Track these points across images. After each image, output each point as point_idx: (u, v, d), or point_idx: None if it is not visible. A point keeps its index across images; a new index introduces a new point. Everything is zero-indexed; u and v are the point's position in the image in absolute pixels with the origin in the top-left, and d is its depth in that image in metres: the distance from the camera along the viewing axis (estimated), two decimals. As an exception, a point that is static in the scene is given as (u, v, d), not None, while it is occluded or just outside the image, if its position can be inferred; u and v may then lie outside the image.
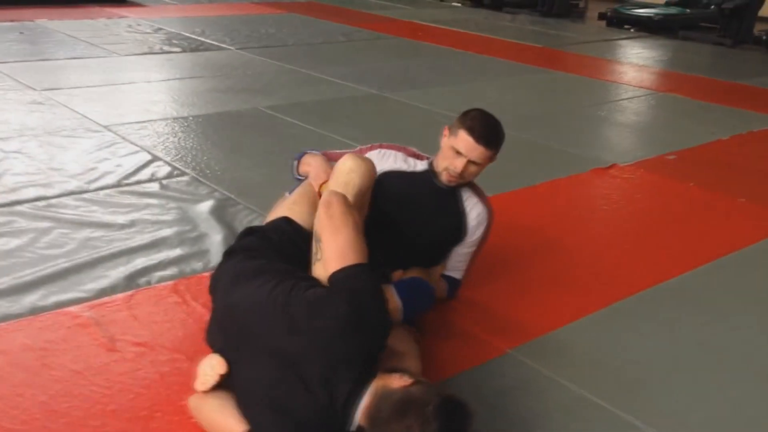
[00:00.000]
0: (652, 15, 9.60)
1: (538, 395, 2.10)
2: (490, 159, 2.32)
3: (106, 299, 2.46)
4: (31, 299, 2.43)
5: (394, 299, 1.99)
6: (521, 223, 3.25)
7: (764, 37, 8.57)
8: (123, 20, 8.01)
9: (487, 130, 2.27)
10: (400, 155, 2.46)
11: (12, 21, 7.45)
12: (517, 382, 2.15)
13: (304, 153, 2.46)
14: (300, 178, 2.41)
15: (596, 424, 2.01)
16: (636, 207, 3.58)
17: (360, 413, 1.67)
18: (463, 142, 2.25)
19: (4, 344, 2.19)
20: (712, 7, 9.23)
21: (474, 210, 2.41)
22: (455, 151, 2.27)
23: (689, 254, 3.04)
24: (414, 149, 2.52)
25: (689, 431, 2.00)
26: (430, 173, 2.39)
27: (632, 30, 9.55)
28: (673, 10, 10.08)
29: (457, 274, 2.48)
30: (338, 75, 5.90)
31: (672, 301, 2.68)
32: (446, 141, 2.33)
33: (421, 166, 2.43)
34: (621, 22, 9.85)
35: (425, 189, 2.38)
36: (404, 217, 2.35)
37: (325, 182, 2.21)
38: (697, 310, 2.64)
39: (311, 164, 2.37)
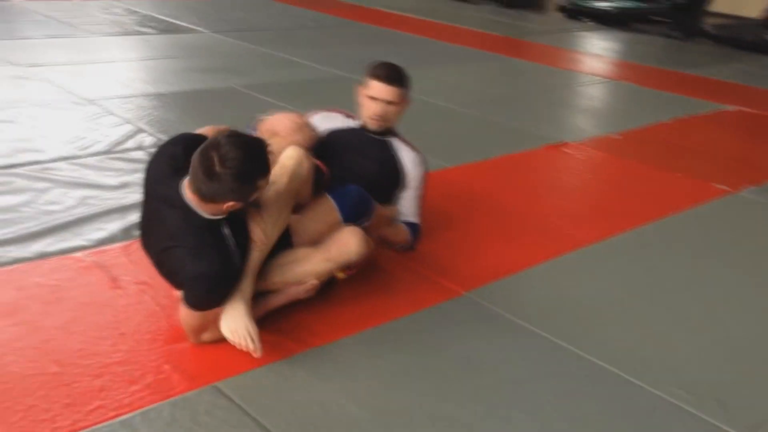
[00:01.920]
0: (608, 8, 10.03)
1: (492, 333, 2.43)
2: (403, 98, 2.72)
3: (106, 247, 2.75)
4: (38, 246, 2.71)
5: (328, 200, 2.46)
6: (475, 190, 3.61)
7: (711, 31, 9.06)
8: (96, 2, 8.16)
9: (390, 72, 2.70)
10: (339, 116, 2.88)
11: (-14, 0, 7.58)
12: (472, 321, 2.48)
13: (257, 118, 2.71)
14: None
15: (549, 359, 2.30)
16: (582, 178, 3.96)
17: (187, 194, 2.08)
18: (375, 87, 2.68)
19: (19, 282, 2.47)
20: (666, 1, 9.69)
21: (408, 156, 2.83)
22: (371, 98, 2.69)
23: (627, 217, 3.42)
24: (347, 111, 2.91)
25: (636, 362, 2.30)
26: (363, 128, 2.80)
27: (589, 22, 9.98)
28: (628, 4, 10.52)
29: (413, 218, 2.83)
30: (309, 58, 6.19)
31: (611, 255, 3.05)
32: (362, 94, 2.74)
33: (355, 123, 2.84)
34: (579, 14, 10.27)
35: (364, 140, 2.79)
36: (352, 164, 2.73)
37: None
38: (632, 260, 3.01)
39: (274, 121, 2.60)
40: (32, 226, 2.85)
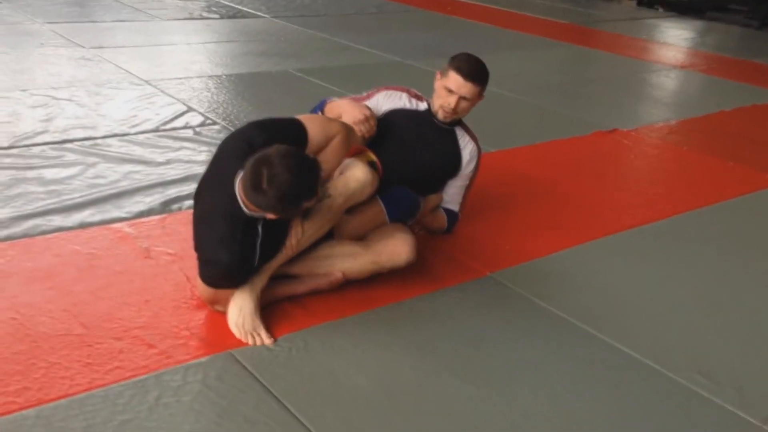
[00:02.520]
0: (682, -4, 9.72)
1: (511, 313, 2.41)
2: (479, 95, 2.65)
3: (143, 219, 2.84)
4: (80, 216, 2.82)
5: (378, 204, 2.42)
6: (516, 174, 3.57)
7: (791, 20, 8.68)
8: (166, -12, 8.39)
9: (473, 68, 2.60)
10: (404, 95, 2.78)
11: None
12: (492, 301, 2.47)
13: (325, 101, 2.73)
14: None
15: (566, 341, 2.28)
16: (626, 164, 3.87)
17: (238, 187, 2.09)
18: (454, 80, 2.59)
19: (58, 249, 2.58)
20: (744, -11, 9.33)
21: (467, 147, 2.75)
22: (447, 90, 2.61)
23: (668, 204, 3.32)
24: (415, 90, 2.83)
25: (656, 347, 2.27)
26: (430, 113, 2.72)
27: (661, 10, 9.68)
28: (703, -8, 10.17)
29: (454, 207, 2.81)
30: (366, 44, 6.22)
31: (645, 241, 2.98)
32: (439, 82, 2.65)
33: (422, 106, 2.76)
34: (651, 3, 9.98)
35: (427, 126, 2.71)
36: (409, 149, 2.67)
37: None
38: (667, 247, 2.94)
39: (339, 104, 2.63)
40: (76, 197, 2.97)
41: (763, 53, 7.23)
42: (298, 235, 2.23)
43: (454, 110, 2.64)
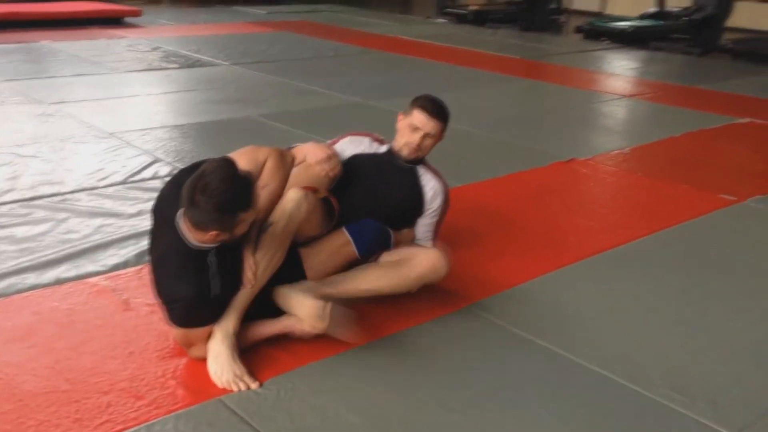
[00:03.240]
0: (625, 27, 10.06)
1: (491, 342, 2.48)
2: (441, 133, 2.77)
3: (120, 272, 2.86)
4: (55, 272, 2.83)
5: (344, 234, 2.55)
6: (481, 206, 3.68)
7: (729, 46, 9.05)
8: (122, 40, 8.45)
9: (437, 106, 2.75)
10: (366, 140, 2.89)
11: (17, 43, 7.88)
12: (472, 332, 2.53)
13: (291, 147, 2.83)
14: None
15: (545, 366, 2.35)
16: (587, 191, 4.01)
17: (180, 222, 2.16)
18: (419, 118, 2.71)
19: (36, 306, 2.59)
20: (683, 18, 9.70)
21: (429, 184, 2.83)
22: (413, 127, 2.73)
23: (631, 229, 3.45)
24: (377, 135, 2.94)
25: (629, 367, 2.35)
26: (391, 154, 2.82)
27: (607, 42, 10.02)
28: (646, 23, 10.56)
29: (427, 243, 2.88)
30: (326, 86, 6.33)
31: (613, 265, 3.09)
32: (403, 122, 2.78)
33: (383, 148, 2.86)
34: (597, 35, 10.31)
35: (388, 167, 2.81)
36: (373, 190, 2.77)
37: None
38: (634, 270, 3.05)
39: (303, 147, 2.67)
40: (50, 253, 2.98)
41: (705, 79, 7.54)
42: (252, 268, 2.27)
43: (419, 147, 2.74)
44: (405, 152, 2.77)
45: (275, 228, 2.33)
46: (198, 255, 2.18)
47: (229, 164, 2.11)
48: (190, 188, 2.06)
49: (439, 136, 2.77)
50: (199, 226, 2.11)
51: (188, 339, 2.25)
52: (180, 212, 2.17)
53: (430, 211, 2.84)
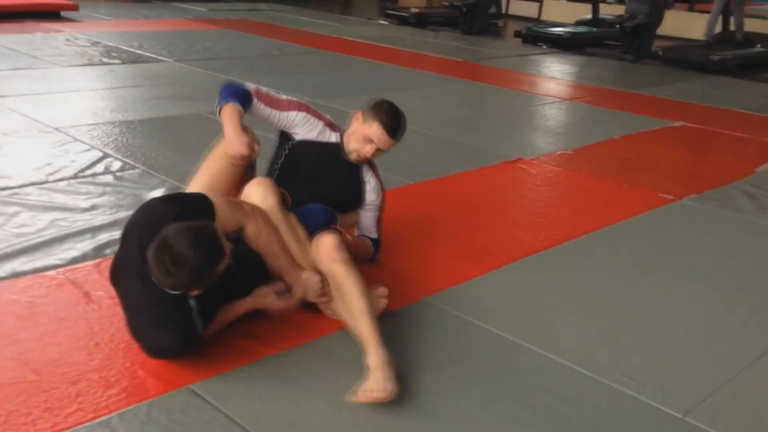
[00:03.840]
0: (562, 33, 10.37)
1: (447, 331, 2.58)
2: (393, 146, 2.81)
3: (78, 265, 2.85)
4: (11, 266, 2.80)
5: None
6: (433, 204, 3.78)
7: (660, 53, 9.43)
8: (60, 34, 8.26)
9: (397, 124, 2.73)
10: (320, 124, 2.82)
11: (-51, 34, 7.63)
12: (429, 322, 2.62)
13: (228, 101, 2.65)
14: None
15: (500, 353, 2.46)
16: (534, 190, 4.15)
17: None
18: (377, 134, 2.70)
19: (-6, 299, 2.56)
20: (617, 26, 10.05)
21: (370, 183, 2.90)
22: (367, 139, 2.72)
23: (577, 225, 3.60)
24: (330, 118, 2.89)
25: (581, 354, 2.48)
26: (339, 147, 2.82)
27: (545, 47, 10.31)
28: (581, 29, 10.90)
29: (372, 234, 2.97)
30: (273, 85, 6.29)
31: (560, 260, 3.23)
32: (359, 126, 2.75)
33: (333, 138, 2.83)
34: (535, 40, 10.60)
35: (334, 160, 2.81)
36: (315, 182, 2.80)
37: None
38: (580, 264, 3.19)
39: (227, 124, 2.64)
40: (4, 247, 2.93)
41: (639, 84, 7.85)
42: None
43: (368, 157, 2.79)
44: (353, 157, 2.80)
45: (267, 241, 2.39)
46: (177, 300, 2.15)
47: (189, 226, 2.06)
48: (158, 261, 2.02)
49: (389, 149, 2.80)
50: (177, 288, 2.10)
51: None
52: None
53: (372, 205, 2.93)
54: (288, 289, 2.47)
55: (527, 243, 3.36)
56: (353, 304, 2.35)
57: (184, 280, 2.06)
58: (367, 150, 2.74)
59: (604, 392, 2.28)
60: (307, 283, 2.46)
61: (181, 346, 2.21)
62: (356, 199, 2.90)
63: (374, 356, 2.20)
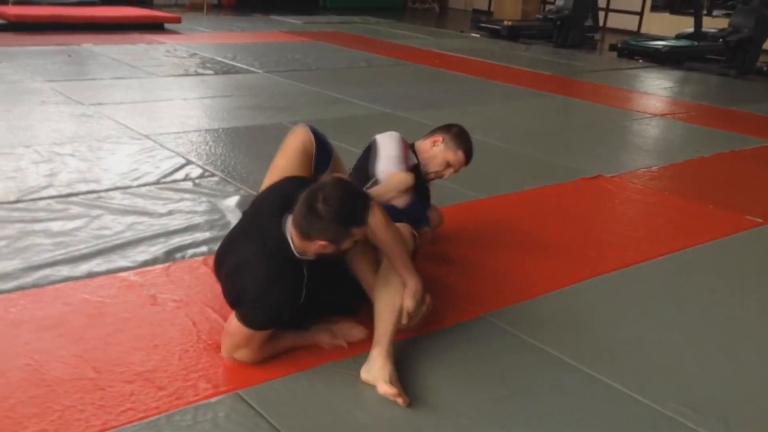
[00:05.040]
0: (660, 47, 10.04)
1: (503, 350, 2.52)
2: None
3: (149, 268, 2.95)
4: (88, 266, 2.93)
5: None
6: (505, 219, 3.72)
7: (765, 69, 8.98)
8: (161, 46, 8.64)
9: (472, 151, 3.02)
10: (409, 152, 2.96)
11: (60, 45, 8.11)
12: (485, 340, 2.58)
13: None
14: None
15: (555, 375, 2.39)
16: (611, 208, 4.03)
17: (289, 228, 2.25)
18: (459, 161, 2.98)
19: (68, 298, 2.68)
20: (720, 40, 9.65)
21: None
22: (447, 164, 2.96)
23: (653, 246, 3.46)
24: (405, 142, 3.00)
25: (642, 380, 2.38)
26: (418, 170, 2.97)
27: (641, 61, 10.00)
28: (681, 43, 10.52)
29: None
30: (357, 96, 6.42)
31: (632, 281, 3.11)
32: (442, 151, 2.97)
33: (413, 160, 2.98)
34: (631, 54, 10.31)
35: (420, 181, 2.96)
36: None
37: None
38: (653, 287, 3.06)
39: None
40: (83, 248, 3.08)
41: (740, 101, 7.50)
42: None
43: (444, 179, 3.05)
44: (431, 177, 3.03)
45: (389, 234, 2.39)
46: (296, 264, 2.27)
47: (348, 182, 2.28)
48: (310, 197, 2.16)
49: None
50: (309, 235, 2.19)
51: (251, 340, 2.26)
52: (286, 220, 2.26)
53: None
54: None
55: (597, 262, 3.25)
56: (395, 300, 2.37)
57: (323, 223, 2.14)
58: (447, 174, 3.00)
59: (662, 422, 2.17)
60: (418, 287, 2.43)
61: (285, 304, 2.25)
62: (425, 209, 3.06)
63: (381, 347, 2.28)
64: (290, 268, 2.27)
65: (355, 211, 2.20)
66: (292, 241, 2.25)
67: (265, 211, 2.38)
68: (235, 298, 2.37)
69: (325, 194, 2.14)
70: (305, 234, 2.19)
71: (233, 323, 2.28)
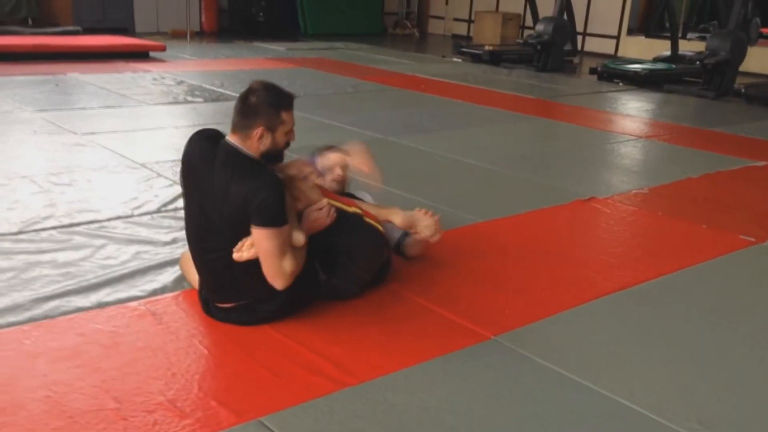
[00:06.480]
0: (639, 70, 10.23)
1: (517, 373, 2.56)
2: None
3: (158, 297, 2.97)
4: (97, 297, 2.94)
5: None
6: (504, 243, 3.78)
7: (743, 90, 9.19)
8: (148, 74, 8.66)
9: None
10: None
11: (46, 74, 8.10)
12: (498, 363, 2.62)
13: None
14: None
15: (570, 397, 2.44)
16: (608, 230, 4.09)
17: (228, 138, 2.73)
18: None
19: (81, 328, 2.69)
20: (697, 63, 9.85)
21: None
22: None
23: (651, 267, 3.53)
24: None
25: (654, 399, 2.43)
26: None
27: (620, 84, 10.18)
28: (659, 66, 10.73)
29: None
30: (346, 122, 6.48)
31: (634, 302, 3.17)
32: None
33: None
34: (610, 77, 10.49)
35: None
36: None
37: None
38: (654, 307, 3.12)
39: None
40: (91, 278, 3.08)
41: (720, 122, 7.66)
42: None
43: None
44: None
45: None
46: (255, 161, 2.62)
47: (270, 82, 2.67)
48: (242, 97, 2.63)
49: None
50: (247, 127, 2.59)
51: (282, 244, 2.54)
52: (225, 141, 2.67)
53: None
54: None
55: (599, 284, 3.31)
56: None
57: (255, 108, 2.58)
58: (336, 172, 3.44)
59: (678, 440, 2.22)
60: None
61: (279, 183, 2.57)
62: None
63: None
64: (257, 163, 2.61)
65: (281, 95, 2.63)
66: (240, 146, 2.61)
67: (199, 153, 2.71)
68: (236, 222, 2.57)
69: (252, 89, 2.61)
70: (244, 128, 2.60)
71: (261, 243, 2.53)
